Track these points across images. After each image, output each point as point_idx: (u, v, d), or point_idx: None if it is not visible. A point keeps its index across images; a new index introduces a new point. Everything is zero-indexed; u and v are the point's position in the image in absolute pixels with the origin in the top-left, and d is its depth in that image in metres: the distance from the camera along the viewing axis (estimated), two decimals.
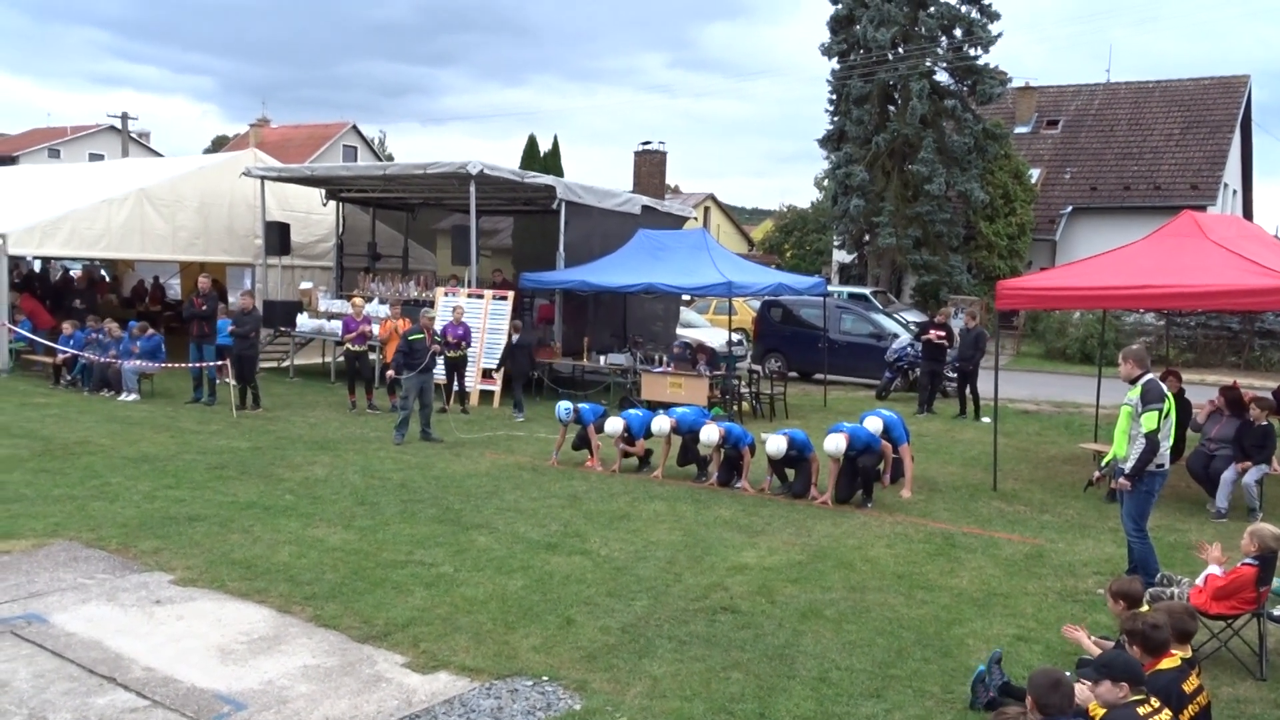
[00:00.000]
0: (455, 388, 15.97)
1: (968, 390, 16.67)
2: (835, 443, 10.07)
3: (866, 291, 27.84)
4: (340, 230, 22.67)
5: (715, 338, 20.87)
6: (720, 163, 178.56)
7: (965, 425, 15.95)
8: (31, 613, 6.49)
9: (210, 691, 5.44)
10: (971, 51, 31.11)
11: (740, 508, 10.04)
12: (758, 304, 23.10)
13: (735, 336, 20.15)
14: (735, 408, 15.97)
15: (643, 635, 6.43)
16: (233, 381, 14.96)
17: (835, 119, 33.31)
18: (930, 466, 12.38)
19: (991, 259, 31.62)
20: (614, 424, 11.61)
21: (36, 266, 25.93)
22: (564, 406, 12.03)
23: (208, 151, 64.00)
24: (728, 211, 61.23)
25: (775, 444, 10.42)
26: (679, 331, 21.65)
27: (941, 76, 31.62)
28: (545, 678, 5.75)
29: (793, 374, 20.30)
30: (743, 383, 16.74)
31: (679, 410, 11.86)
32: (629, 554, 8.20)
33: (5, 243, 17.96)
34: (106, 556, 7.71)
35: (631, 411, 12.24)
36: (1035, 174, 34.69)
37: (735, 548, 8.53)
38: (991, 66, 31.20)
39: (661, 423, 11.38)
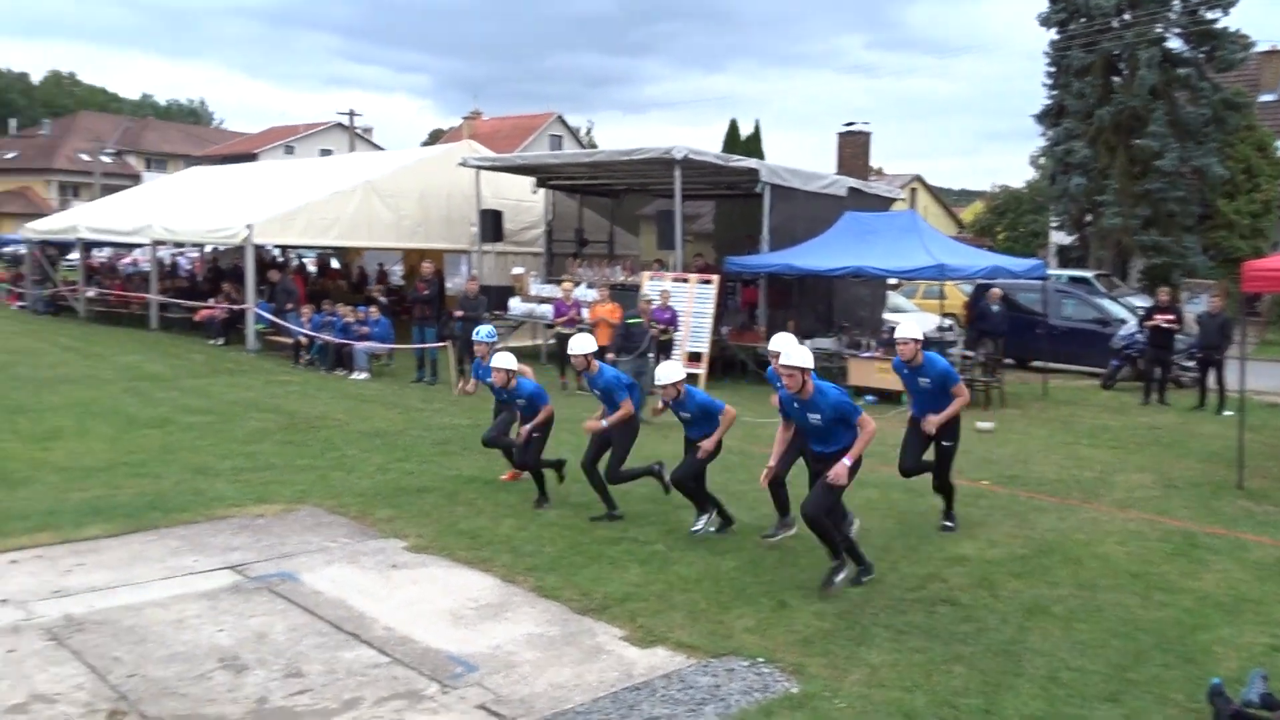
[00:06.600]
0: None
1: (1210, 381, 15.46)
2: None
3: (1089, 275, 26.27)
4: (549, 217, 23.38)
5: (924, 323, 20.22)
6: (926, 143, 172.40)
7: (1204, 418, 14.81)
8: (284, 571, 7.05)
9: (444, 653, 5.75)
10: (1209, 14, 28.69)
11: (956, 497, 9.68)
12: (969, 288, 22.24)
13: (945, 322, 19.49)
14: None
15: (858, 623, 6.33)
16: (453, 362, 15.72)
17: (1054, 93, 31.55)
18: (1165, 461, 11.59)
19: (1231, 239, 29.18)
20: None
21: (278, 255, 28.05)
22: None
23: (424, 144, 67.41)
24: (935, 193, 59.28)
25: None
26: (888, 316, 21.13)
27: (1174, 43, 29.35)
28: (761, 659, 5.75)
29: (1008, 361, 19.43)
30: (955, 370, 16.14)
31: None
32: None
33: (251, 232, 19.54)
34: (347, 522, 8.28)
35: None
36: None
37: (952, 538, 8.26)
38: (1232, 30, 28.70)
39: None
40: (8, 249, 40.39)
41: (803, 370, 6.79)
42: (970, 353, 17.00)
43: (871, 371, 15.64)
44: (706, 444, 7.99)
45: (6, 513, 8.07)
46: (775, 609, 6.53)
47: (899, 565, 7.51)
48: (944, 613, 6.56)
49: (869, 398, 15.49)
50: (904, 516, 8.93)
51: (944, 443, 8.35)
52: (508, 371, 8.93)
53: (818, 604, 6.63)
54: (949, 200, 65.86)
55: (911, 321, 8.39)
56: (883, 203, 21.39)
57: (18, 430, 11.37)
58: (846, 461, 6.77)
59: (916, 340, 8.20)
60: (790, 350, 6.91)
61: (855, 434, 6.87)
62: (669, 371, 8.00)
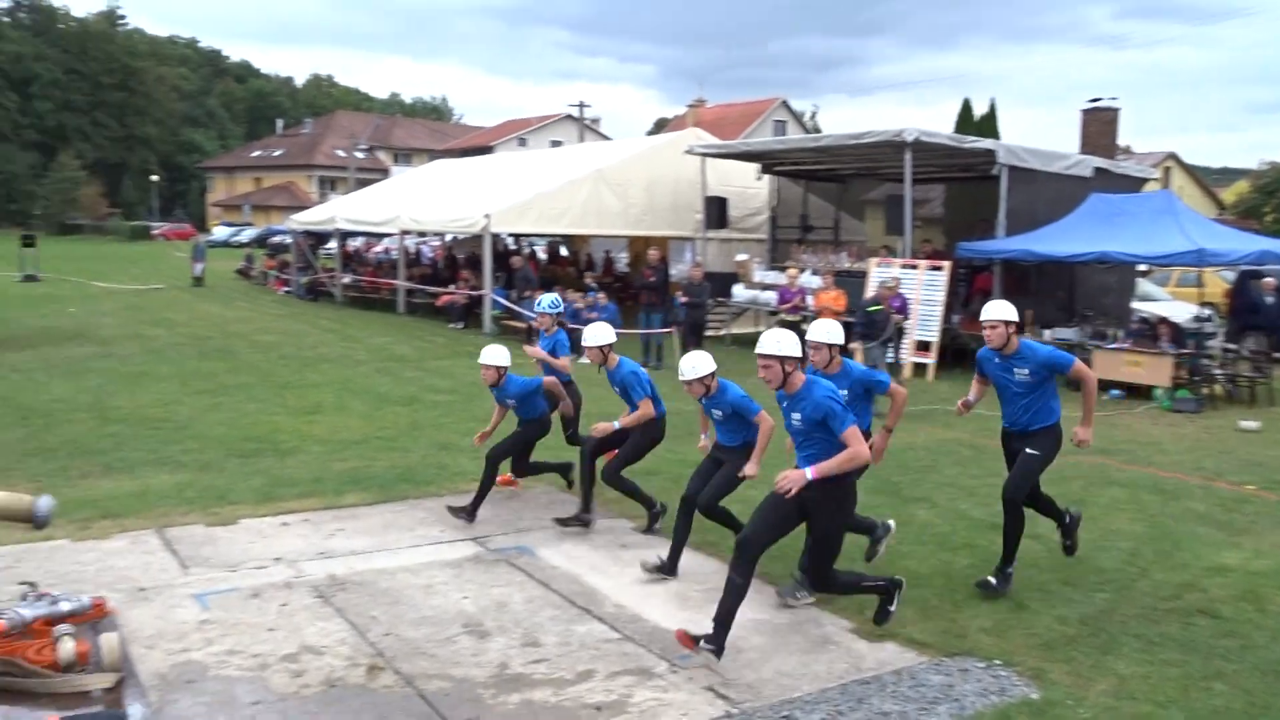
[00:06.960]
0: (889, 359, 15.79)
1: None
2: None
3: None
4: (774, 203, 23.25)
5: (1179, 312, 18.75)
6: (1181, 118, 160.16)
7: None
8: (522, 545, 7.40)
9: (671, 632, 5.85)
10: None
11: (1216, 501, 8.96)
12: (1230, 275, 20.43)
13: (1204, 311, 17.96)
14: (1206, 390, 14.29)
15: (1105, 630, 5.97)
16: (678, 347, 15.94)
17: None
18: None
19: None
20: None
21: (510, 243, 29.33)
22: None
23: (649, 133, 68.58)
24: (1192, 172, 54.70)
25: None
26: (1136, 305, 19.73)
27: None
28: (998, 661, 5.53)
29: (1278, 355, 17.72)
30: (1215, 363, 14.90)
31: None
32: (1085, 542, 7.59)
33: (489, 221, 20.53)
34: (576, 501, 8.56)
35: None
36: None
37: (1213, 546, 7.63)
38: None
39: None
40: (275, 238, 44.32)
41: (780, 359, 5.52)
42: (1233, 345, 15.64)
43: (1118, 364, 14.66)
44: (750, 469, 6.68)
45: (278, 479, 8.88)
46: (1013, 610, 6.25)
47: (1150, 571, 7.02)
48: (1202, 625, 6.08)
49: (1114, 392, 14.54)
50: (1155, 519, 8.33)
51: (1029, 450, 6.64)
52: (498, 368, 8.00)
53: (1060, 608, 6.30)
54: (1208, 179, 60.62)
55: (1001, 303, 6.72)
56: (1133, 183, 19.94)
57: (286, 404, 12.48)
58: (808, 473, 5.36)
59: (1008, 322, 6.59)
60: (769, 335, 5.66)
61: (840, 448, 5.48)
62: (697, 363, 6.60)
